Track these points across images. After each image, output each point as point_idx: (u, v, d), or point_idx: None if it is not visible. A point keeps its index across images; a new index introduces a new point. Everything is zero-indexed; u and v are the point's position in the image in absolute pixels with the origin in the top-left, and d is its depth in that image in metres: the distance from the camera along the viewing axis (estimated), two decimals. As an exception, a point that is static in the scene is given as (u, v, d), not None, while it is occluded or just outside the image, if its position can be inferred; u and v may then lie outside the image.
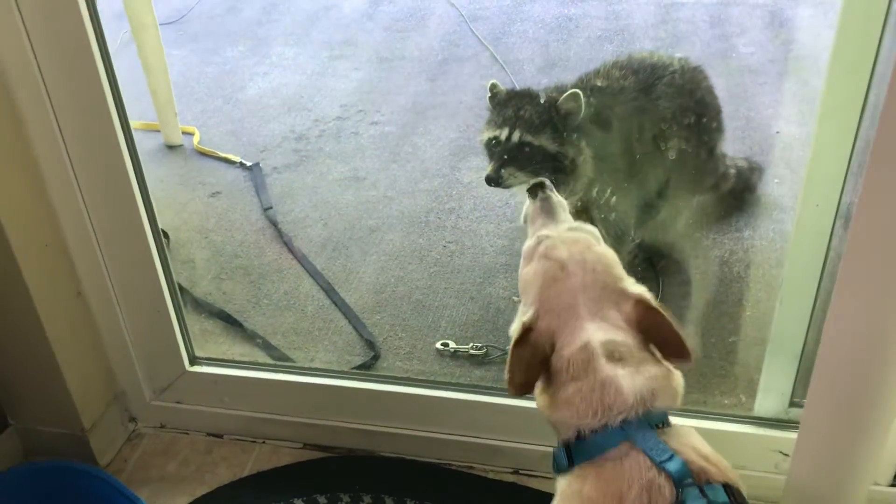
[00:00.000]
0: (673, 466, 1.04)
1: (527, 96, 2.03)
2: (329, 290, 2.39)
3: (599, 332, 1.13)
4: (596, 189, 1.98)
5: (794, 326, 1.66)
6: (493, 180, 2.00)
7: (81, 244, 1.73)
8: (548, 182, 1.37)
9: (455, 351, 2.15)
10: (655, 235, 2.32)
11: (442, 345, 2.16)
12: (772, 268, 2.38)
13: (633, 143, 2.08)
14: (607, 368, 1.10)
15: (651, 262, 2.35)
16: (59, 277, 1.73)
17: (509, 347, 1.16)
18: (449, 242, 2.57)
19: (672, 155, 2.16)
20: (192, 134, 3.17)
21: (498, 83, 2.07)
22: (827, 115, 1.43)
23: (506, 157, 1.98)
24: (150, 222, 1.75)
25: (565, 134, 1.95)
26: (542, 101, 1.99)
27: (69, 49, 1.52)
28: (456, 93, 3.45)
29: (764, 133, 3.02)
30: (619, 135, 2.03)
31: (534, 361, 1.14)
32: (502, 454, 1.84)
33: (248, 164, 2.98)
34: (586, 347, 1.12)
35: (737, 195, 2.59)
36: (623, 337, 1.13)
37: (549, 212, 1.33)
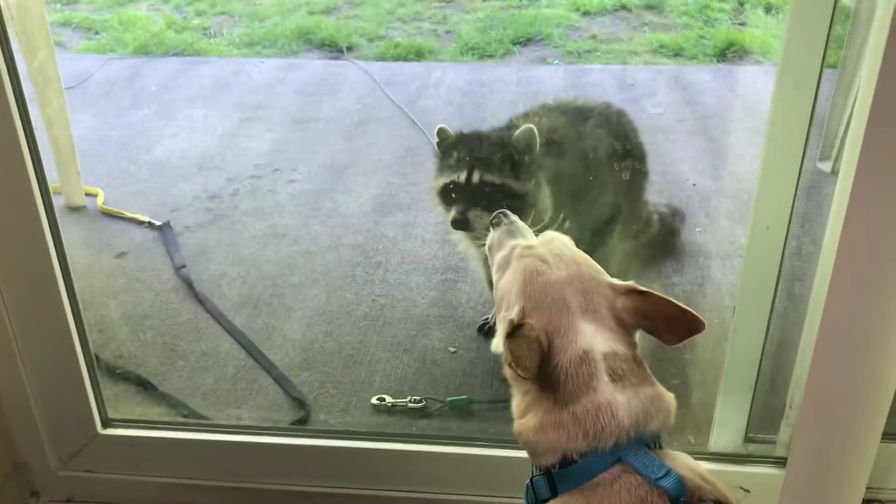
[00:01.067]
0: (668, 483, 0.96)
1: (478, 137, 1.99)
2: (250, 349, 2.24)
3: (599, 337, 1.03)
4: (551, 223, 1.93)
5: (747, 357, 1.65)
6: (461, 223, 1.93)
7: (-20, 293, 1.55)
8: (508, 211, 1.30)
9: (392, 405, 2.02)
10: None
11: (378, 399, 2.03)
12: (705, 311, 2.37)
13: (571, 181, 2.06)
14: (608, 391, 1.00)
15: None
16: (-48, 331, 1.55)
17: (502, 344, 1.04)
18: (378, 296, 2.46)
19: (605, 193, 2.15)
20: (95, 195, 2.99)
21: (446, 127, 2.03)
22: (774, 135, 1.44)
23: (469, 199, 1.92)
24: (62, 268, 1.58)
25: (523, 170, 1.91)
26: (495, 140, 1.95)
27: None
28: (374, 152, 3.40)
29: (681, 186, 3.08)
30: (560, 171, 2.00)
31: (532, 356, 1.02)
32: (451, 509, 1.71)
33: (158, 223, 2.81)
34: (588, 358, 1.02)
35: (662, 241, 2.60)
36: (621, 346, 1.04)
37: (515, 233, 1.25)
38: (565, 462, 1.02)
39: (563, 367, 1.02)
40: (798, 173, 1.47)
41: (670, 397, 1.07)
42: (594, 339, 1.04)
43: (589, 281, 1.09)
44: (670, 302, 1.06)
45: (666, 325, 1.07)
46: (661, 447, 1.04)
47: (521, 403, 1.08)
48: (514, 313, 1.06)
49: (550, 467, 1.04)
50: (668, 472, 0.97)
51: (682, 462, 1.03)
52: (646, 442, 1.02)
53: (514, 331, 1.03)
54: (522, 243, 1.18)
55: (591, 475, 1.00)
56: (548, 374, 1.03)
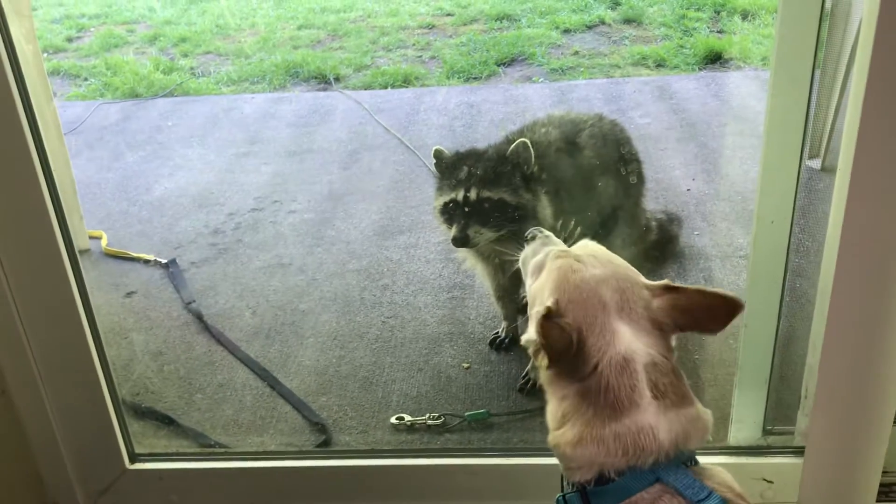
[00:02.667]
0: None
1: (474, 155, 2.04)
2: (267, 377, 2.26)
3: (638, 343, 1.03)
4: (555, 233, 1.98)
5: (759, 352, 1.68)
6: (461, 240, 1.97)
7: (6, 338, 1.58)
8: (542, 228, 1.32)
9: (411, 423, 2.05)
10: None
11: (397, 419, 2.06)
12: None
13: (570, 191, 2.10)
14: (651, 410, 1.00)
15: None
16: (-21, 376, 1.57)
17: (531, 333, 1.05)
18: (388, 318, 2.49)
19: (604, 201, 2.19)
20: (99, 238, 3.01)
21: (442, 148, 2.07)
22: (772, 134, 1.49)
23: (468, 216, 1.96)
24: (85, 309, 1.61)
25: (520, 183, 1.95)
26: (490, 156, 1.99)
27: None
28: (371, 178, 3.44)
29: (675, 192, 3.13)
30: (558, 182, 2.05)
31: (560, 341, 1.02)
32: (480, 521, 1.73)
33: (164, 261, 2.84)
34: (629, 368, 1.01)
35: (661, 246, 2.65)
36: (660, 354, 1.04)
37: (549, 244, 1.26)
38: (601, 479, 1.01)
39: (604, 373, 1.01)
40: (798, 169, 1.51)
41: (708, 415, 1.06)
42: (633, 343, 1.03)
43: (624, 280, 1.08)
44: (706, 291, 1.06)
45: (706, 315, 1.06)
46: (696, 464, 1.04)
47: (557, 411, 1.06)
48: (549, 301, 1.05)
49: (585, 484, 1.03)
50: (710, 494, 0.97)
51: (720, 479, 1.03)
52: (683, 460, 1.01)
53: (549, 315, 1.02)
54: (557, 248, 1.20)
55: (629, 494, 0.99)
56: (586, 377, 1.02)
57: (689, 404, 1.04)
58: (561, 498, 1.08)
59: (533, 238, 1.29)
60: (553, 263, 1.13)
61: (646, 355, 1.02)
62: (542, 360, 1.02)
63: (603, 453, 1.00)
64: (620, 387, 1.00)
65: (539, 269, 1.18)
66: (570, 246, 1.24)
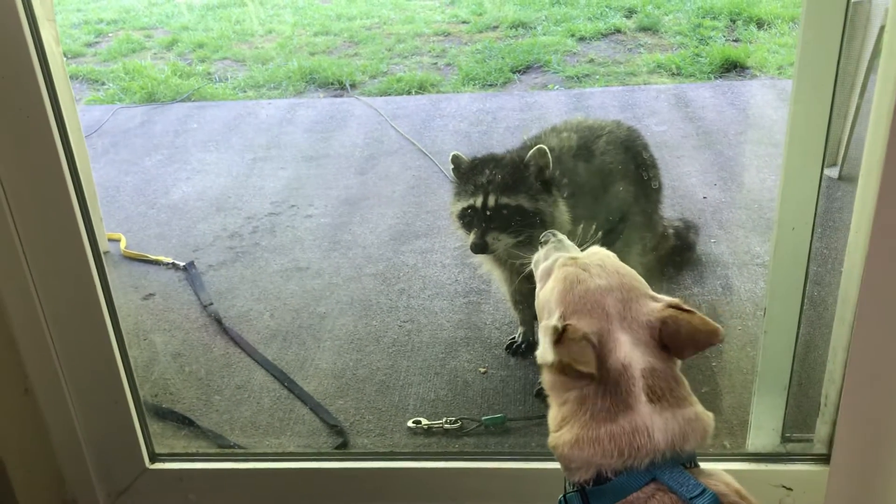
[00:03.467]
0: (704, 501, 0.98)
1: (492, 161, 2.04)
2: (284, 380, 2.27)
3: (637, 351, 1.05)
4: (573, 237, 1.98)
5: (779, 358, 1.68)
6: (480, 247, 1.97)
7: (31, 338, 1.59)
8: (556, 231, 1.34)
9: (428, 427, 2.05)
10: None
11: (414, 423, 2.06)
12: (728, 319, 2.41)
13: (587, 197, 2.11)
14: (645, 411, 1.02)
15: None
16: (3, 373, 1.58)
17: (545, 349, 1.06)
18: (404, 322, 2.50)
19: (621, 207, 2.19)
20: (118, 240, 3.04)
21: (460, 153, 2.08)
22: (794, 141, 1.49)
23: (486, 222, 1.97)
24: (109, 310, 1.63)
25: (538, 189, 1.95)
26: (508, 162, 2.00)
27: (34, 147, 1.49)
28: (387, 184, 3.46)
29: (692, 199, 3.14)
30: (575, 188, 2.06)
31: (587, 353, 1.02)
32: (497, 524, 1.74)
33: (182, 263, 2.86)
34: (626, 374, 1.03)
35: (678, 254, 2.65)
36: (660, 361, 1.05)
37: (561, 249, 1.28)
38: (599, 479, 1.03)
39: (602, 379, 1.04)
40: (819, 176, 1.51)
41: (708, 418, 1.07)
42: (633, 352, 1.05)
43: (629, 291, 1.10)
44: (706, 320, 1.06)
45: (689, 339, 1.05)
46: (696, 465, 1.05)
47: (557, 415, 1.09)
48: (554, 319, 1.08)
49: (584, 484, 1.05)
50: (704, 491, 0.98)
51: (719, 478, 1.04)
52: (681, 461, 1.03)
53: (560, 336, 1.04)
54: (566, 255, 1.21)
55: (625, 493, 1.01)
56: (586, 383, 1.05)
57: (687, 406, 1.06)
58: (562, 498, 1.10)
59: (546, 241, 1.31)
60: (560, 272, 1.15)
61: (644, 362, 1.05)
62: (586, 370, 1.03)
63: (599, 454, 1.03)
64: (617, 391, 1.04)
65: (547, 274, 1.19)
66: (583, 250, 1.25)
